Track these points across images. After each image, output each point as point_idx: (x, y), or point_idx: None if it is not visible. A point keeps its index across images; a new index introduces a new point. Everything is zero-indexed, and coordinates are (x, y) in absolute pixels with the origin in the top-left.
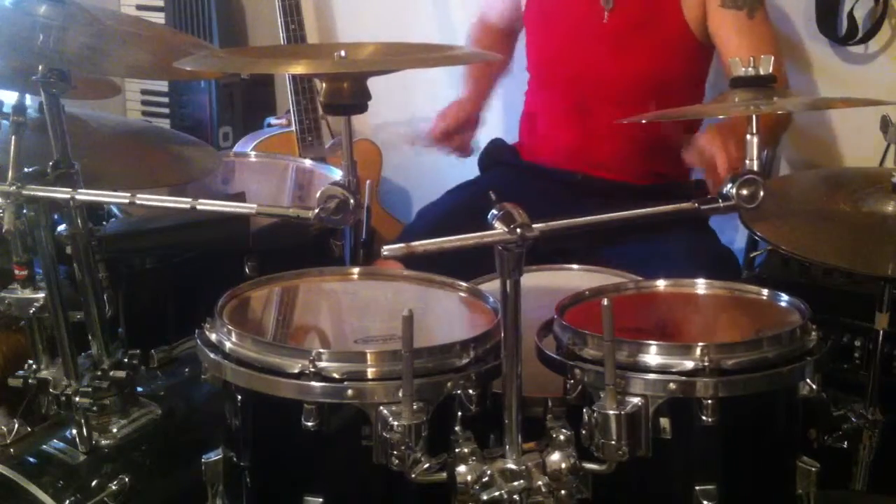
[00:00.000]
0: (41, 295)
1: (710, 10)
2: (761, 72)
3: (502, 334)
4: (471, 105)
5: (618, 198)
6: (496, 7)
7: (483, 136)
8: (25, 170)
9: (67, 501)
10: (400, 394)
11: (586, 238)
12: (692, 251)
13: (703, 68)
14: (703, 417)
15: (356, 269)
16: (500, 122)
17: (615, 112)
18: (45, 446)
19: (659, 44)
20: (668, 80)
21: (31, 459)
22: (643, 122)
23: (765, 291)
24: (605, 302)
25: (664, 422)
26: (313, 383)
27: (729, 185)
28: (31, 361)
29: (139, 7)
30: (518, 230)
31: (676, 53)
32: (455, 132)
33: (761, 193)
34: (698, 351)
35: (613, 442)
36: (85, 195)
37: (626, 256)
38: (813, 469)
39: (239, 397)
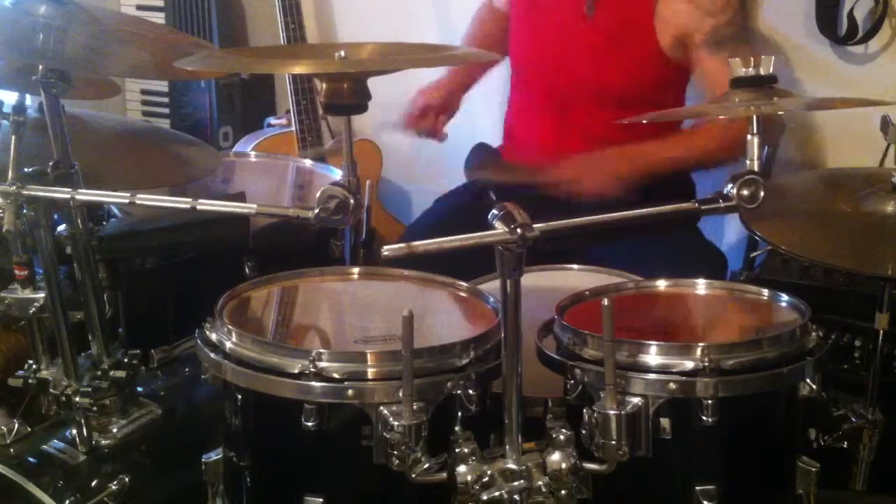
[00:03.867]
0: (41, 295)
1: (692, 47)
2: (761, 72)
3: (502, 334)
4: (453, 87)
5: (600, 200)
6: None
7: (478, 139)
8: (25, 170)
9: (67, 501)
10: (400, 394)
11: (585, 238)
12: (678, 249)
13: (679, 81)
14: (703, 417)
15: (356, 269)
16: (491, 123)
17: (594, 115)
18: (45, 446)
19: (632, 58)
20: (642, 89)
21: (31, 459)
22: (617, 125)
23: (765, 291)
24: (605, 302)
25: (664, 422)
26: (314, 383)
27: (729, 186)
28: (31, 361)
29: (139, 7)
30: (518, 230)
31: (649, 69)
32: (431, 112)
33: (761, 193)
34: (698, 351)
35: (613, 442)
36: (85, 195)
37: (626, 256)
38: (813, 469)
39: (239, 397)
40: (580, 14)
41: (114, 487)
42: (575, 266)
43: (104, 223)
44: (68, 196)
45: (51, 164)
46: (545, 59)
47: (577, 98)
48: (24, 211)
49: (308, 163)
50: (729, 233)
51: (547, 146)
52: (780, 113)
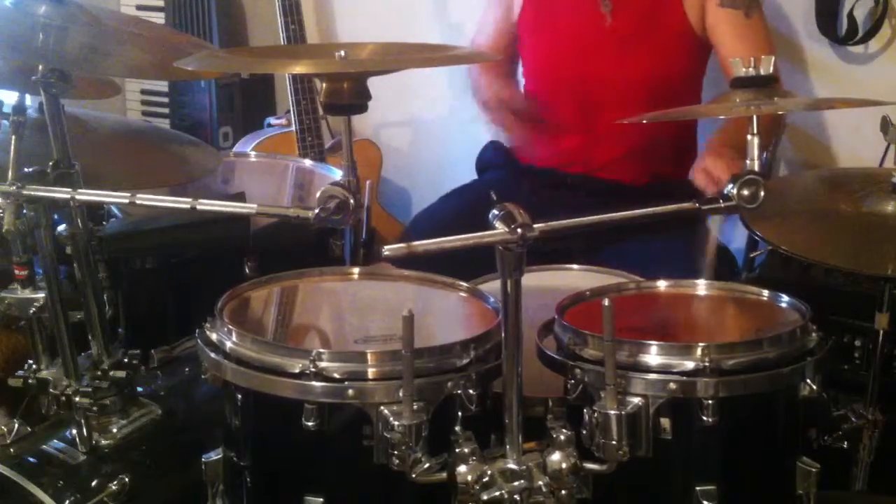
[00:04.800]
0: (41, 295)
1: (709, 8)
2: (762, 72)
3: (503, 334)
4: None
5: (616, 198)
6: (487, 30)
7: (478, 139)
8: (25, 170)
9: (67, 501)
10: (400, 394)
11: (586, 238)
12: (690, 249)
13: (702, 66)
14: (704, 417)
15: (356, 269)
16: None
17: (616, 114)
18: (45, 446)
19: (661, 44)
20: (670, 80)
21: (31, 459)
22: (643, 122)
23: (765, 292)
24: (606, 302)
25: (664, 422)
26: (314, 383)
27: (729, 186)
28: (31, 361)
29: (139, 7)
30: (518, 230)
31: (678, 53)
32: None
33: (761, 193)
34: (699, 351)
35: (614, 442)
36: (85, 195)
37: (626, 256)
38: (813, 469)
39: (239, 397)
40: (598, 15)
41: (114, 487)
42: (575, 266)
43: (104, 223)
44: (68, 196)
45: (51, 164)
46: (566, 65)
47: (602, 100)
48: (24, 211)
49: (308, 163)
50: (728, 233)
51: (570, 150)
52: (780, 113)
